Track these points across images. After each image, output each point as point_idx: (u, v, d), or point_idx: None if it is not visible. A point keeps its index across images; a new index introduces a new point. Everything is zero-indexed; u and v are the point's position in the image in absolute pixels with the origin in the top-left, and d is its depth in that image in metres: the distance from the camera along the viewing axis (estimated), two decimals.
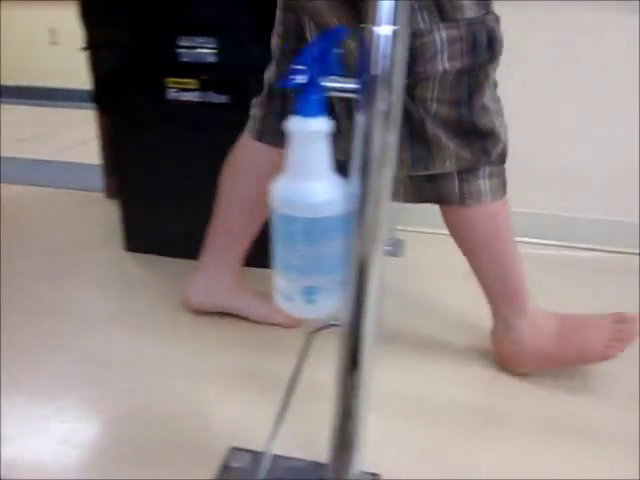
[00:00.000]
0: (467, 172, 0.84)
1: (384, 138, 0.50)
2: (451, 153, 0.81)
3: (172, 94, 1.21)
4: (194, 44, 1.18)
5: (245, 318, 1.04)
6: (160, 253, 1.34)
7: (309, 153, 0.51)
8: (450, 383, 0.95)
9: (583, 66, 1.37)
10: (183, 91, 1.21)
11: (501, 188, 0.87)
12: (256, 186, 0.94)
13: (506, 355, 0.95)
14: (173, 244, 1.32)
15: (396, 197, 0.87)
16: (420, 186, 0.87)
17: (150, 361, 0.97)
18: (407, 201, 0.89)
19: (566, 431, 0.85)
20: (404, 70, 0.49)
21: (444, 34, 0.73)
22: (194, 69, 1.19)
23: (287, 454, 0.77)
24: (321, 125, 0.50)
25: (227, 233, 1.04)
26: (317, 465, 0.72)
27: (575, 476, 0.77)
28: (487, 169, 0.85)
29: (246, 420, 0.83)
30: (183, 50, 1.19)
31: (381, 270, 0.55)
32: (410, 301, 1.21)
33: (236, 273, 1.06)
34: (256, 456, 0.74)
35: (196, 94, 1.20)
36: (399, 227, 1.44)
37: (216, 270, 1.05)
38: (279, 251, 0.55)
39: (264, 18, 1.09)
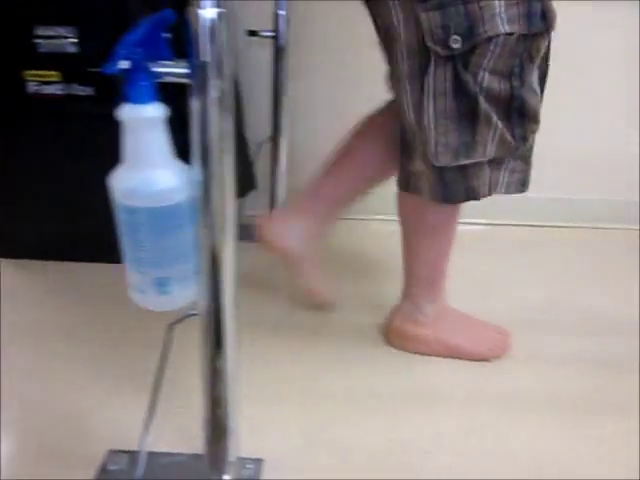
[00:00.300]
0: (498, 161, 0.80)
1: (221, 125, 0.50)
2: (496, 135, 0.76)
3: (32, 87, 1.14)
4: (53, 33, 1.12)
5: None
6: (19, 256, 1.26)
7: (145, 141, 0.50)
8: (334, 366, 0.97)
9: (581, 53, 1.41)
10: (44, 84, 1.13)
11: (519, 186, 0.84)
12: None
13: (407, 334, 0.99)
14: (38, 246, 1.25)
15: (421, 193, 0.85)
16: (447, 179, 0.81)
17: (24, 370, 0.92)
18: (432, 199, 0.84)
19: (455, 402, 0.90)
20: (232, 56, 0.49)
21: None
22: (55, 60, 1.12)
23: (169, 450, 0.76)
24: (154, 111, 0.49)
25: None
26: (196, 457, 0.71)
27: (459, 444, 0.82)
28: (511, 162, 0.82)
29: (125, 421, 0.80)
30: (41, 40, 1.12)
31: (234, 257, 0.56)
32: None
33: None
34: (133, 456, 0.72)
35: (59, 87, 1.13)
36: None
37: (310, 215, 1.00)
38: (126, 244, 0.54)
39: (127, 6, 1.05)
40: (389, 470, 0.77)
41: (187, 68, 0.48)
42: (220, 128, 0.50)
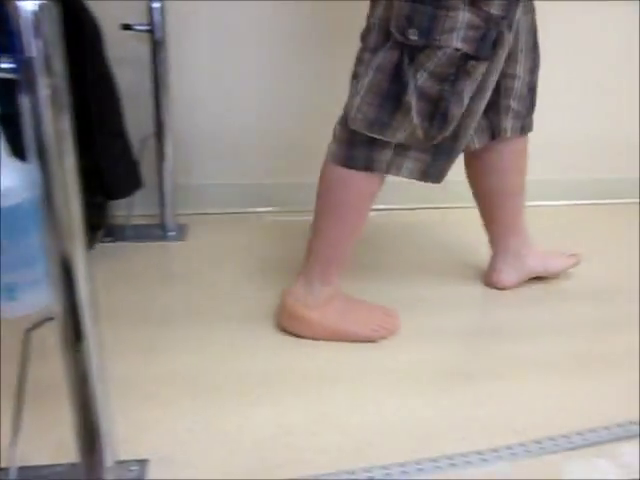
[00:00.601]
0: (404, 148, 0.89)
1: (56, 125, 0.48)
2: (409, 127, 0.85)
3: None
4: None
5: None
6: None
7: None
8: (221, 354, 0.97)
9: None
10: None
11: (420, 174, 0.92)
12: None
13: (296, 316, 1.01)
14: None
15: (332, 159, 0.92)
16: (354, 143, 0.89)
17: None
18: (335, 160, 0.93)
19: (341, 382, 0.93)
20: (63, 50, 0.47)
21: (467, 16, 0.78)
22: None
23: (48, 462, 0.73)
24: None
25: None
26: (73, 466, 0.69)
27: (345, 422, 0.85)
28: (417, 152, 0.90)
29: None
30: None
31: (84, 258, 0.54)
32: (194, 283, 1.21)
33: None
34: (3, 474, 0.69)
35: None
36: (181, 211, 1.43)
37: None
38: None
39: None
40: (277, 455, 0.78)
41: (13, 63, 0.46)
42: (56, 128, 0.48)
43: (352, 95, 0.88)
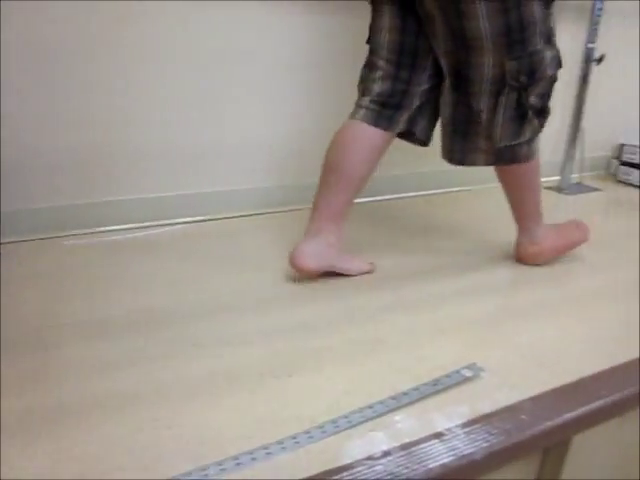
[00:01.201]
0: (532, 140, 1.33)
1: None
2: (533, 126, 1.29)
3: None
4: None
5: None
6: None
7: None
8: None
9: None
10: None
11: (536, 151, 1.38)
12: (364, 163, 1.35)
13: (528, 254, 1.48)
14: None
15: (476, 164, 1.36)
16: (501, 151, 1.32)
17: None
18: (488, 164, 1.37)
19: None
20: None
21: (549, 54, 1.24)
22: None
23: None
24: None
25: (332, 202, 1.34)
26: None
27: None
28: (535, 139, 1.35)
29: None
30: None
31: None
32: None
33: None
34: None
35: None
36: None
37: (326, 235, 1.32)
38: None
39: None
40: None
41: None
42: None
43: (488, 126, 1.28)
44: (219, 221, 1.73)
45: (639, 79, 2.46)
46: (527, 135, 1.29)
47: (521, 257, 1.49)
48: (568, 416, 0.92)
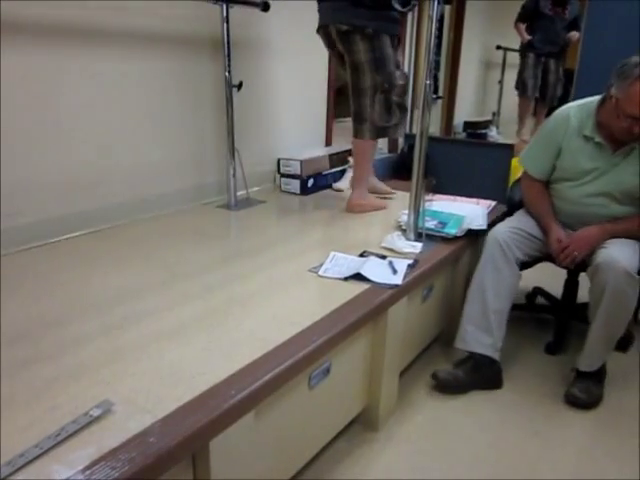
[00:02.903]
0: (397, 124, 2.35)
1: None
2: (396, 114, 2.31)
3: None
4: None
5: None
6: None
7: None
8: None
9: None
10: None
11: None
12: None
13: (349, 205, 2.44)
14: None
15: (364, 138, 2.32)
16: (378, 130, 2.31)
17: None
18: (371, 138, 2.34)
19: None
20: None
21: (397, 72, 2.30)
22: None
23: None
24: None
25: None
26: None
27: None
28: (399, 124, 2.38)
29: None
30: None
31: None
32: None
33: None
34: None
35: None
36: None
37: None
38: None
39: None
40: None
41: None
42: None
43: (370, 115, 2.27)
44: None
45: (288, 101, 2.79)
46: (393, 120, 2.26)
47: (347, 207, 2.39)
48: (198, 426, 0.97)
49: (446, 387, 1.90)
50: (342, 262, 1.72)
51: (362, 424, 1.70)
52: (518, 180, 2.22)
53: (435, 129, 4.18)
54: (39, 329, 1.29)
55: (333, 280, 1.61)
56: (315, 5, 2.24)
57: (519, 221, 2.01)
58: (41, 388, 1.06)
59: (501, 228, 1.94)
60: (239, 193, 2.42)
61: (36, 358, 1.16)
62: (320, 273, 1.64)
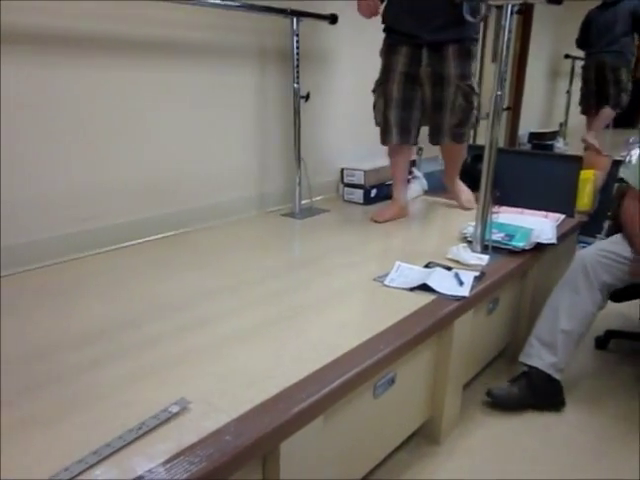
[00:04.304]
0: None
1: None
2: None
3: None
4: None
5: None
6: None
7: None
8: None
9: None
10: None
11: None
12: None
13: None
14: None
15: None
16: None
17: None
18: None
19: None
20: None
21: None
22: None
23: None
24: None
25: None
26: None
27: None
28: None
29: None
30: None
31: None
32: None
33: None
34: None
35: None
36: None
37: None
38: None
39: None
40: None
41: None
42: None
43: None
44: None
45: (353, 112, 2.82)
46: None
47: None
48: (270, 428, 0.99)
49: (500, 404, 1.86)
50: (407, 272, 1.72)
51: (424, 437, 1.68)
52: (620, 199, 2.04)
53: (499, 140, 4.12)
54: (116, 329, 1.35)
55: (398, 290, 1.61)
56: (376, 18, 2.26)
57: (612, 244, 1.90)
58: (119, 384, 1.11)
59: (590, 250, 1.87)
60: (303, 202, 2.46)
61: (114, 356, 1.22)
62: (386, 283, 1.65)
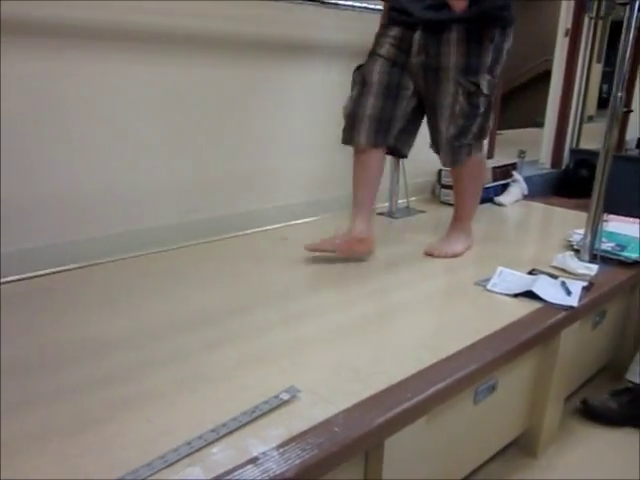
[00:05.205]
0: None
1: None
2: None
3: None
4: None
5: None
6: None
7: None
8: None
9: None
10: None
11: None
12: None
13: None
14: None
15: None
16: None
17: None
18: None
19: None
20: None
21: None
22: None
23: None
24: None
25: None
26: None
27: None
28: None
29: None
30: None
31: None
32: None
33: None
34: None
35: None
36: None
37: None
38: None
39: None
40: None
41: None
42: None
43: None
44: None
45: None
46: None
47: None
48: (377, 423, 1.00)
49: (594, 417, 1.76)
50: (510, 278, 1.67)
51: (521, 448, 1.63)
52: None
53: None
54: (225, 315, 1.41)
55: (501, 296, 1.57)
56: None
57: None
58: (231, 369, 1.16)
59: None
60: (399, 202, 2.45)
61: (224, 341, 1.28)
62: (488, 287, 1.61)
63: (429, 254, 1.87)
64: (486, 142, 3.09)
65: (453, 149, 1.74)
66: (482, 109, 1.69)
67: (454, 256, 1.87)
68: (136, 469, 0.85)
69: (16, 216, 1.55)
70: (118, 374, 1.13)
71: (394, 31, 1.72)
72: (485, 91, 1.66)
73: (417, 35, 1.67)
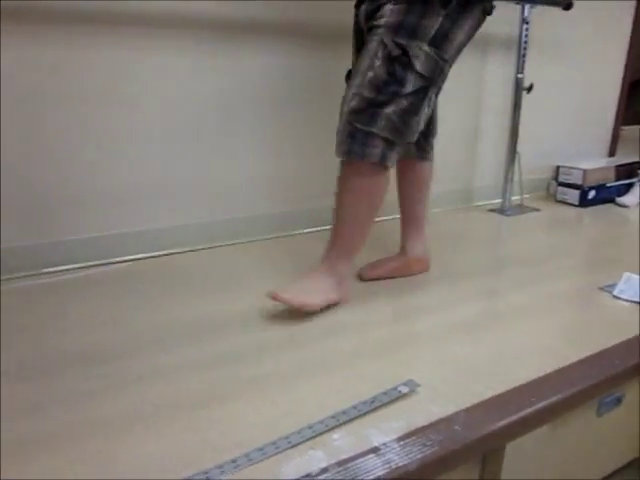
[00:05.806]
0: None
1: None
2: None
3: None
4: None
5: None
6: None
7: None
8: None
9: None
10: None
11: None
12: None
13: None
14: None
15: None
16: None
17: None
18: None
19: None
20: None
21: None
22: None
23: None
24: None
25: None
26: None
27: None
28: None
29: None
30: None
31: None
32: None
33: None
34: None
35: None
36: None
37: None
38: None
39: None
40: None
41: None
42: None
43: None
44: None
45: (571, 105, 2.62)
46: None
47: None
48: (499, 425, 0.97)
49: None
50: (638, 285, 1.55)
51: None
52: None
53: None
54: (339, 307, 1.42)
55: (629, 303, 1.47)
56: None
57: None
58: (348, 358, 1.17)
59: None
60: (512, 199, 2.36)
61: (338, 330, 1.29)
62: (615, 293, 1.51)
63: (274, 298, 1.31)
64: (606, 137, 2.91)
65: (344, 130, 1.27)
66: (408, 88, 1.21)
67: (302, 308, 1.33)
68: (263, 446, 0.88)
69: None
70: (239, 355, 1.17)
71: (358, 8, 1.41)
72: (417, 66, 1.20)
73: (364, 6, 1.34)
